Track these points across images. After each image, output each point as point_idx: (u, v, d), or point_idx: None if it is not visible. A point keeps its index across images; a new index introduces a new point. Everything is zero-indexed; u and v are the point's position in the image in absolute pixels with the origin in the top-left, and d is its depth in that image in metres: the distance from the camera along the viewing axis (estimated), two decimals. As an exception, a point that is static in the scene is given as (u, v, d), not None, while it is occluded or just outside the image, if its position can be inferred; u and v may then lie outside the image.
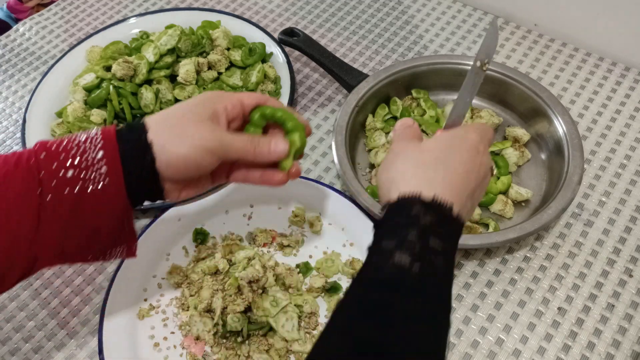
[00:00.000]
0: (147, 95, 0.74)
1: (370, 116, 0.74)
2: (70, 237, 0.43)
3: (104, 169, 0.42)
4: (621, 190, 0.68)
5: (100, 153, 0.42)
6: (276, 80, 0.78)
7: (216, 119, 0.47)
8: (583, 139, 0.72)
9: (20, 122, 0.75)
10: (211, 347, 0.58)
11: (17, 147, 0.77)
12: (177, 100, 0.76)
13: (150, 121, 0.45)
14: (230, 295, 0.58)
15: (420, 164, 0.43)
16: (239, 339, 0.57)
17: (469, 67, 0.72)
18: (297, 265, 0.63)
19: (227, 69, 0.79)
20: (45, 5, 1.12)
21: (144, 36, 0.81)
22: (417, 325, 0.37)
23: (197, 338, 0.58)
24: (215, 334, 0.58)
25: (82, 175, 0.42)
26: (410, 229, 0.39)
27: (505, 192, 0.67)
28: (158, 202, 0.63)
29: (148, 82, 0.76)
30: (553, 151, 0.68)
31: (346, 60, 0.82)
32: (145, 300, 0.62)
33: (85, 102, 0.76)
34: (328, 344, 0.37)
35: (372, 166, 0.71)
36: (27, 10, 1.27)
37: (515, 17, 0.86)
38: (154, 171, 0.44)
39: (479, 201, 0.47)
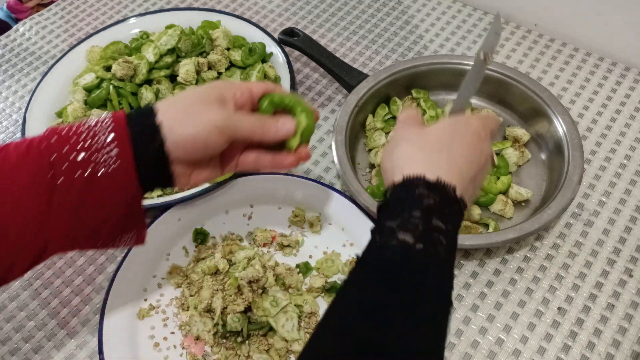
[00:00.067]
0: (147, 95, 0.74)
1: (370, 116, 0.74)
2: (81, 222, 0.43)
3: (114, 152, 0.42)
4: (621, 190, 0.68)
5: (111, 136, 0.43)
6: (276, 80, 0.77)
7: (224, 102, 0.47)
8: (583, 139, 0.72)
9: (20, 122, 0.75)
10: (211, 347, 0.58)
11: (17, 147, 0.77)
12: (177, 100, 0.76)
13: (159, 105, 0.45)
14: (230, 295, 0.58)
15: (424, 147, 0.44)
16: (239, 339, 0.57)
17: (467, 66, 0.73)
18: (297, 265, 0.63)
19: (227, 69, 0.79)
20: (45, 5, 1.12)
21: (144, 36, 0.81)
22: (420, 309, 0.37)
23: (197, 338, 0.58)
24: (215, 334, 0.58)
25: (92, 158, 0.42)
26: (413, 209, 0.40)
27: (505, 192, 0.67)
28: (158, 201, 0.64)
29: (148, 82, 0.76)
30: (553, 151, 0.68)
31: (346, 60, 0.82)
32: (145, 300, 0.62)
33: (85, 102, 0.76)
34: (325, 341, 0.37)
35: (372, 166, 0.71)
36: (27, 10, 1.27)
37: (515, 17, 0.86)
38: (163, 153, 0.44)
39: (480, 187, 0.48)
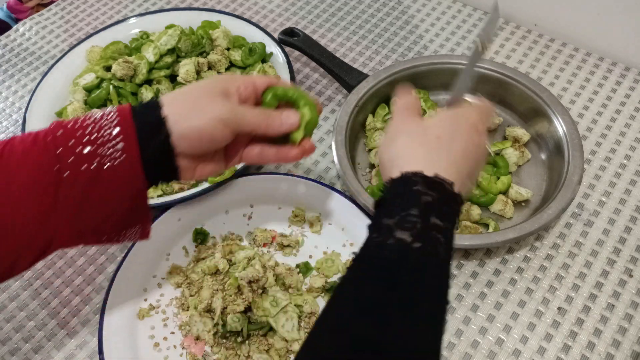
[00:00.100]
0: (147, 95, 0.74)
1: (370, 116, 0.74)
2: (86, 216, 0.43)
3: (120, 145, 0.42)
4: (621, 190, 0.68)
5: (116, 129, 0.43)
6: (276, 80, 0.78)
7: (228, 96, 0.47)
8: (583, 139, 0.72)
9: (20, 122, 0.75)
10: (211, 347, 0.58)
11: (17, 147, 0.77)
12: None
13: (164, 98, 0.46)
14: (230, 295, 0.58)
15: (424, 143, 0.44)
16: (239, 339, 0.57)
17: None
18: (297, 265, 0.63)
19: (227, 69, 0.79)
20: (45, 5, 1.12)
21: (144, 36, 0.81)
22: (418, 307, 0.37)
23: (197, 338, 0.58)
24: (215, 334, 0.58)
25: (98, 152, 0.42)
26: (412, 207, 0.39)
27: (505, 192, 0.67)
28: (158, 201, 0.64)
29: (148, 82, 0.76)
30: (553, 151, 0.68)
31: (346, 60, 0.82)
32: (145, 300, 0.62)
33: (85, 102, 0.76)
34: (322, 339, 0.37)
35: (372, 166, 0.71)
36: (27, 10, 1.27)
37: (515, 17, 0.86)
38: (169, 146, 0.44)
39: (475, 181, 0.48)
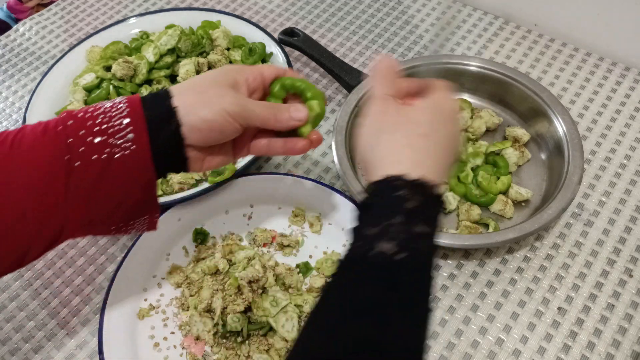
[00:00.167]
0: (147, 95, 0.74)
1: (370, 116, 0.74)
2: (96, 206, 0.43)
3: (130, 136, 0.42)
4: (621, 190, 0.68)
5: (127, 120, 0.43)
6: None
7: (237, 87, 0.47)
8: (583, 139, 0.72)
9: (20, 122, 0.75)
10: (211, 347, 0.58)
11: (17, 147, 0.77)
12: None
13: (174, 89, 0.46)
14: (230, 295, 0.58)
15: (409, 143, 0.42)
16: (239, 339, 0.57)
17: (467, 66, 0.73)
18: (297, 265, 0.63)
19: (227, 69, 0.79)
20: (45, 5, 1.12)
21: (144, 36, 0.81)
22: (399, 312, 0.36)
23: (197, 338, 0.58)
24: (215, 334, 0.58)
25: (109, 142, 0.42)
26: (397, 214, 0.38)
27: (505, 192, 0.67)
28: (158, 201, 0.64)
29: (148, 82, 0.76)
30: (553, 151, 0.68)
31: (346, 60, 0.82)
32: (145, 300, 0.62)
33: (85, 102, 0.76)
34: (314, 340, 0.36)
35: (372, 166, 0.71)
36: (27, 10, 1.27)
37: (515, 17, 0.86)
38: (179, 136, 0.44)
39: (451, 170, 0.47)
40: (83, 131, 0.42)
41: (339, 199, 0.65)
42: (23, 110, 0.78)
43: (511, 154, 0.69)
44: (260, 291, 0.58)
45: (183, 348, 0.58)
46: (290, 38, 0.79)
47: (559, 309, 0.60)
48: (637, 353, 0.56)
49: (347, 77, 0.74)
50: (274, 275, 0.60)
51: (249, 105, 0.47)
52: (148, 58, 0.75)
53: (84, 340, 0.61)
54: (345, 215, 0.64)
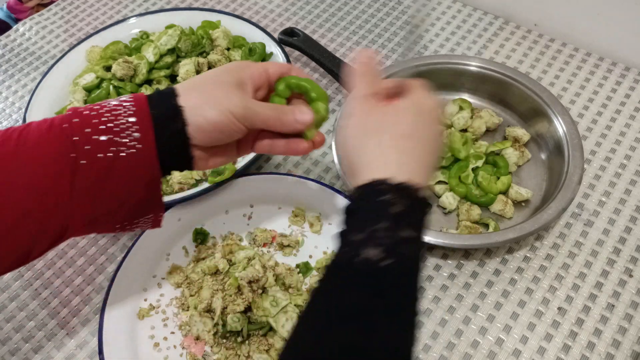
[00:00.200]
0: (147, 95, 0.74)
1: (370, 116, 0.74)
2: (101, 204, 0.43)
3: (136, 134, 0.42)
4: (621, 190, 0.68)
5: (133, 118, 0.43)
6: (276, 80, 0.78)
7: (243, 86, 0.47)
8: (583, 139, 0.72)
9: (20, 122, 0.75)
10: (211, 347, 0.58)
11: (17, 147, 0.77)
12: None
13: (179, 87, 0.45)
14: (230, 295, 0.58)
15: (394, 145, 0.42)
16: (239, 339, 0.57)
17: (467, 66, 0.73)
18: (297, 265, 0.63)
19: (227, 69, 0.79)
20: (45, 5, 1.12)
21: (144, 36, 0.81)
22: (385, 317, 0.36)
23: (197, 338, 0.58)
24: (215, 334, 0.58)
25: (115, 140, 0.42)
26: (382, 219, 0.38)
27: (505, 192, 0.67)
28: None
29: (148, 82, 0.76)
30: (553, 151, 0.68)
31: (346, 60, 0.82)
32: (145, 300, 0.62)
33: (85, 102, 0.76)
34: (306, 343, 0.36)
35: (372, 166, 0.71)
36: (27, 10, 1.27)
37: (515, 17, 0.87)
38: (184, 136, 0.44)
39: (435, 169, 0.47)
40: (89, 129, 0.42)
41: (339, 199, 0.65)
42: (23, 110, 0.78)
43: (511, 154, 0.69)
44: (260, 291, 0.58)
45: (183, 348, 0.58)
46: (290, 38, 0.79)
47: (559, 309, 0.60)
48: (637, 353, 0.56)
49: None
50: (274, 275, 0.60)
51: (255, 107, 0.47)
52: (148, 58, 0.75)
53: (84, 340, 0.61)
54: (345, 215, 0.64)
